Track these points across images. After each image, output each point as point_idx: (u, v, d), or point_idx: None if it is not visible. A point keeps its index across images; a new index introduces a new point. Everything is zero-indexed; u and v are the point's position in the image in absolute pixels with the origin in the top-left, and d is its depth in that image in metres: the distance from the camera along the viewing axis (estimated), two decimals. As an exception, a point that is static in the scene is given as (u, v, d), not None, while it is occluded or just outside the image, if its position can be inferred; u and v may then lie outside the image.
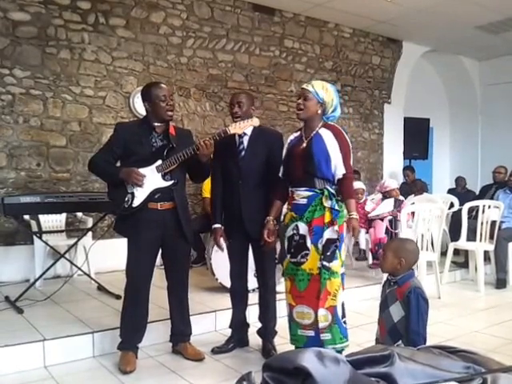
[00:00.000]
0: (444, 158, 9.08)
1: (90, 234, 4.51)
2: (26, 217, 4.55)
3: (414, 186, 6.52)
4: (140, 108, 4.93)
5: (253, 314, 3.28)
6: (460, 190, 7.18)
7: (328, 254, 2.59)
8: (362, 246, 5.38)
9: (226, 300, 3.50)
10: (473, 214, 5.43)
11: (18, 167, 4.75)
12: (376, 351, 1.26)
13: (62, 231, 4.82)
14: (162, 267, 3.13)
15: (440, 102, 8.93)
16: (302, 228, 2.68)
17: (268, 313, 3.16)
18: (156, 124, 2.94)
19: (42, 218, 4.72)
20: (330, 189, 2.66)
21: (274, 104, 6.43)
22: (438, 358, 1.32)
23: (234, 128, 2.86)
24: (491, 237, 5.21)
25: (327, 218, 2.62)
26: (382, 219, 4.92)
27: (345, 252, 2.78)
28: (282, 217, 2.98)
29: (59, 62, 4.92)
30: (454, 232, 5.71)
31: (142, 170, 2.85)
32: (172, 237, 2.95)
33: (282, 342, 3.10)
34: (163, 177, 2.88)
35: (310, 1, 6.05)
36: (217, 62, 5.92)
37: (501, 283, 5.15)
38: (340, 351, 2.57)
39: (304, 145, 2.73)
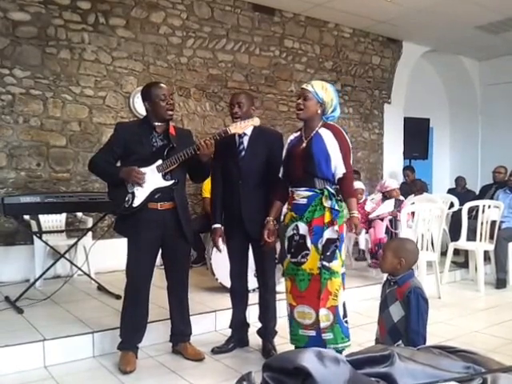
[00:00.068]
0: (444, 158, 9.08)
1: (90, 233, 4.52)
2: (26, 217, 4.55)
3: (413, 185, 6.52)
4: (140, 108, 4.94)
5: (253, 314, 3.28)
6: (460, 190, 7.18)
7: (328, 253, 2.59)
8: (362, 246, 5.38)
9: (226, 300, 3.50)
10: (473, 213, 5.43)
11: (18, 167, 4.76)
12: (376, 351, 1.26)
13: (62, 231, 4.81)
14: (162, 267, 3.13)
15: (440, 102, 8.93)
16: (302, 228, 2.68)
17: (268, 313, 3.16)
18: (156, 124, 2.94)
19: (42, 218, 4.72)
20: (329, 189, 2.66)
21: (274, 104, 6.43)
22: (437, 357, 1.32)
23: (235, 128, 2.86)
24: (491, 237, 5.21)
25: (327, 218, 2.62)
26: (381, 219, 4.92)
27: (345, 252, 2.78)
28: (282, 217, 2.98)
29: (59, 62, 4.92)
30: (454, 232, 5.72)
31: (142, 170, 2.85)
32: (172, 237, 2.95)
33: (282, 342, 3.10)
34: (163, 176, 2.88)
35: (310, 1, 6.05)
36: (217, 62, 5.92)
37: (501, 283, 5.15)
38: (340, 351, 2.58)
39: (304, 145, 2.73)
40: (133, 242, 2.92)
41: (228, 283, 3.37)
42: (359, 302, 4.19)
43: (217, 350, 3.19)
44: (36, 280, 4.25)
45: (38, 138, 4.84)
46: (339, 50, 7.03)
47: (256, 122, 2.92)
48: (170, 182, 2.89)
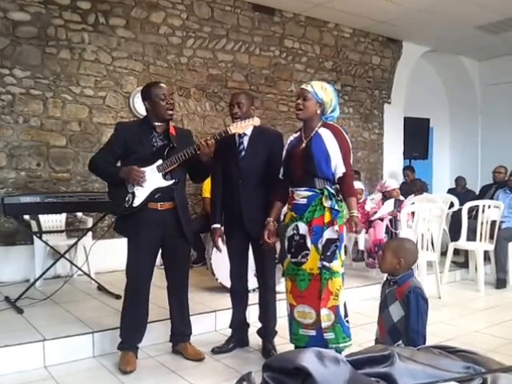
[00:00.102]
0: (444, 158, 9.08)
1: (90, 233, 4.52)
2: (26, 217, 4.55)
3: (413, 185, 6.52)
4: (140, 108, 4.94)
5: (253, 313, 3.28)
6: (460, 190, 7.18)
7: (328, 254, 2.60)
8: (361, 246, 5.33)
9: (226, 300, 3.50)
10: (473, 213, 5.43)
11: (18, 167, 4.76)
12: (376, 351, 1.26)
13: (62, 231, 4.81)
14: (162, 267, 3.13)
15: (440, 102, 8.93)
16: (302, 228, 2.68)
17: (268, 313, 3.16)
18: (156, 123, 2.94)
19: (42, 218, 4.72)
20: (329, 189, 2.66)
21: (274, 104, 6.43)
22: (437, 357, 1.32)
23: (235, 128, 2.86)
24: (491, 237, 5.21)
25: (327, 218, 2.62)
26: (381, 219, 4.92)
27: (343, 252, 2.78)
28: (282, 217, 2.98)
29: (59, 62, 4.92)
30: (454, 232, 5.71)
31: (142, 170, 2.85)
32: (172, 237, 2.95)
33: (282, 342, 3.10)
34: (164, 176, 2.88)
35: (310, 1, 6.05)
36: (217, 62, 5.93)
37: (501, 283, 5.15)
38: (341, 351, 2.58)
39: (303, 145, 2.73)
40: (133, 242, 2.92)
41: (228, 283, 3.37)
42: (359, 302, 4.19)
43: (217, 350, 3.19)
44: (36, 280, 4.25)
45: (38, 138, 4.84)
46: (339, 50, 7.03)
47: (256, 121, 2.92)
48: (170, 182, 2.89)
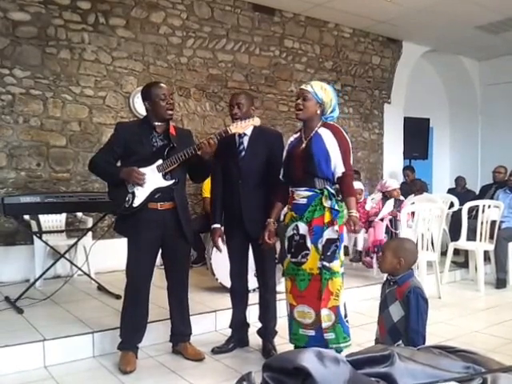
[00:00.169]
0: (444, 158, 9.08)
1: (90, 233, 4.52)
2: (26, 217, 4.55)
3: (413, 185, 6.52)
4: (140, 108, 4.94)
5: (253, 313, 3.28)
6: (460, 190, 7.18)
7: (328, 254, 2.60)
8: (360, 247, 5.32)
9: (226, 300, 3.50)
10: (473, 213, 5.43)
11: (18, 167, 4.76)
12: (376, 351, 1.26)
13: (62, 231, 4.81)
14: (162, 267, 3.13)
15: (440, 102, 8.93)
16: (302, 228, 2.68)
17: (268, 313, 3.16)
18: (156, 123, 2.94)
19: (42, 218, 4.72)
20: (329, 189, 2.66)
21: (274, 104, 6.43)
22: (437, 357, 1.32)
23: (235, 127, 2.86)
24: (491, 237, 5.21)
25: (327, 218, 2.62)
26: (381, 219, 4.91)
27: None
28: (282, 216, 2.98)
29: (59, 62, 4.93)
30: (454, 232, 5.71)
31: (142, 170, 2.85)
32: (172, 237, 2.95)
33: (282, 342, 3.10)
34: (164, 176, 2.88)
35: (310, 1, 6.05)
36: (217, 62, 5.93)
37: (501, 283, 5.15)
38: (341, 351, 2.58)
39: (303, 145, 2.73)
40: (133, 242, 2.92)
41: (228, 283, 3.37)
42: (359, 302, 4.19)
43: (217, 350, 3.19)
44: (36, 280, 4.25)
45: (38, 138, 4.84)
46: (339, 50, 7.03)
47: (256, 121, 2.92)
48: (170, 182, 2.89)
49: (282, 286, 3.02)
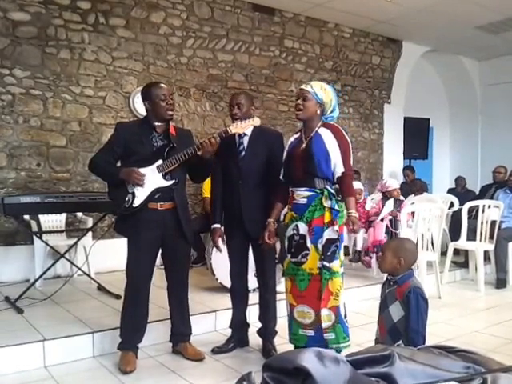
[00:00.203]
0: (444, 158, 9.09)
1: (90, 233, 4.52)
2: (26, 217, 4.55)
3: (413, 185, 6.52)
4: (140, 108, 4.94)
5: (253, 313, 3.28)
6: (460, 190, 7.18)
7: (328, 254, 2.60)
8: (359, 247, 5.31)
9: (226, 300, 3.50)
10: (473, 213, 5.43)
11: (18, 167, 4.76)
12: (376, 351, 1.26)
13: (62, 231, 4.81)
14: (162, 267, 3.13)
15: (440, 102, 8.93)
16: (302, 228, 2.68)
17: (268, 313, 3.16)
18: (156, 124, 2.94)
19: (42, 218, 4.72)
20: (329, 189, 2.67)
21: (274, 104, 6.43)
22: (437, 357, 1.32)
23: (235, 128, 2.86)
24: (491, 237, 5.21)
25: (327, 218, 2.62)
26: (381, 219, 4.91)
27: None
28: (282, 216, 2.98)
29: (59, 62, 4.92)
30: (454, 232, 5.72)
31: (142, 170, 2.85)
32: (172, 237, 2.95)
33: (282, 342, 3.10)
34: (164, 176, 2.88)
35: (310, 1, 6.05)
36: (217, 62, 5.93)
37: (501, 283, 5.15)
38: (339, 351, 2.58)
39: (304, 145, 2.73)
40: (133, 242, 2.92)
41: (228, 283, 3.37)
42: (359, 302, 4.19)
43: (217, 350, 3.19)
44: (36, 280, 4.25)
45: (38, 138, 4.84)
46: (339, 50, 7.03)
47: (256, 122, 2.91)
48: (170, 182, 2.89)
49: (282, 286, 3.02)
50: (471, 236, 5.30)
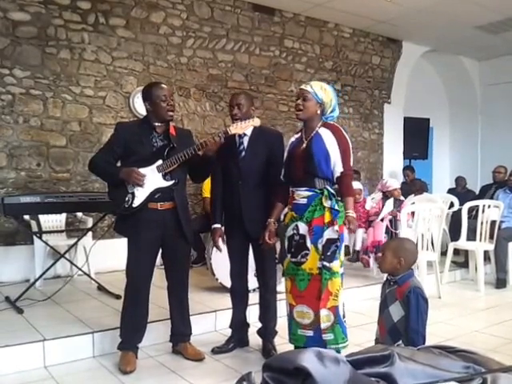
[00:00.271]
0: (444, 158, 9.09)
1: (90, 233, 4.52)
2: (26, 217, 4.55)
3: (413, 185, 6.52)
4: (140, 108, 4.94)
5: (253, 313, 3.28)
6: (460, 190, 7.18)
7: (328, 254, 2.59)
8: (358, 247, 5.31)
9: (226, 300, 3.50)
10: (473, 213, 5.43)
11: (18, 167, 4.76)
12: (376, 351, 1.26)
13: (62, 231, 4.81)
14: (162, 267, 3.13)
15: (440, 102, 8.93)
16: (302, 228, 2.68)
17: (268, 313, 3.16)
18: (156, 124, 2.94)
19: (42, 218, 4.72)
20: (329, 189, 2.67)
21: (274, 104, 6.43)
22: (437, 357, 1.32)
23: (235, 128, 2.86)
24: (491, 236, 5.21)
25: (327, 218, 2.62)
26: (381, 219, 4.91)
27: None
28: (282, 216, 2.98)
29: (59, 62, 4.92)
30: (454, 232, 5.72)
31: (142, 170, 2.85)
32: (172, 237, 2.95)
33: (282, 342, 3.10)
34: (164, 177, 2.88)
35: (310, 1, 6.05)
36: (217, 62, 5.93)
37: (501, 283, 5.15)
38: (338, 351, 2.57)
39: (304, 145, 2.73)
40: (133, 242, 2.92)
41: (228, 283, 3.37)
42: (359, 302, 4.19)
43: (217, 350, 3.19)
44: (36, 280, 4.25)
45: (38, 138, 4.84)
46: (339, 50, 7.03)
47: (256, 122, 2.92)
48: (170, 182, 2.89)
49: (282, 285, 3.02)
50: (471, 236, 5.30)
